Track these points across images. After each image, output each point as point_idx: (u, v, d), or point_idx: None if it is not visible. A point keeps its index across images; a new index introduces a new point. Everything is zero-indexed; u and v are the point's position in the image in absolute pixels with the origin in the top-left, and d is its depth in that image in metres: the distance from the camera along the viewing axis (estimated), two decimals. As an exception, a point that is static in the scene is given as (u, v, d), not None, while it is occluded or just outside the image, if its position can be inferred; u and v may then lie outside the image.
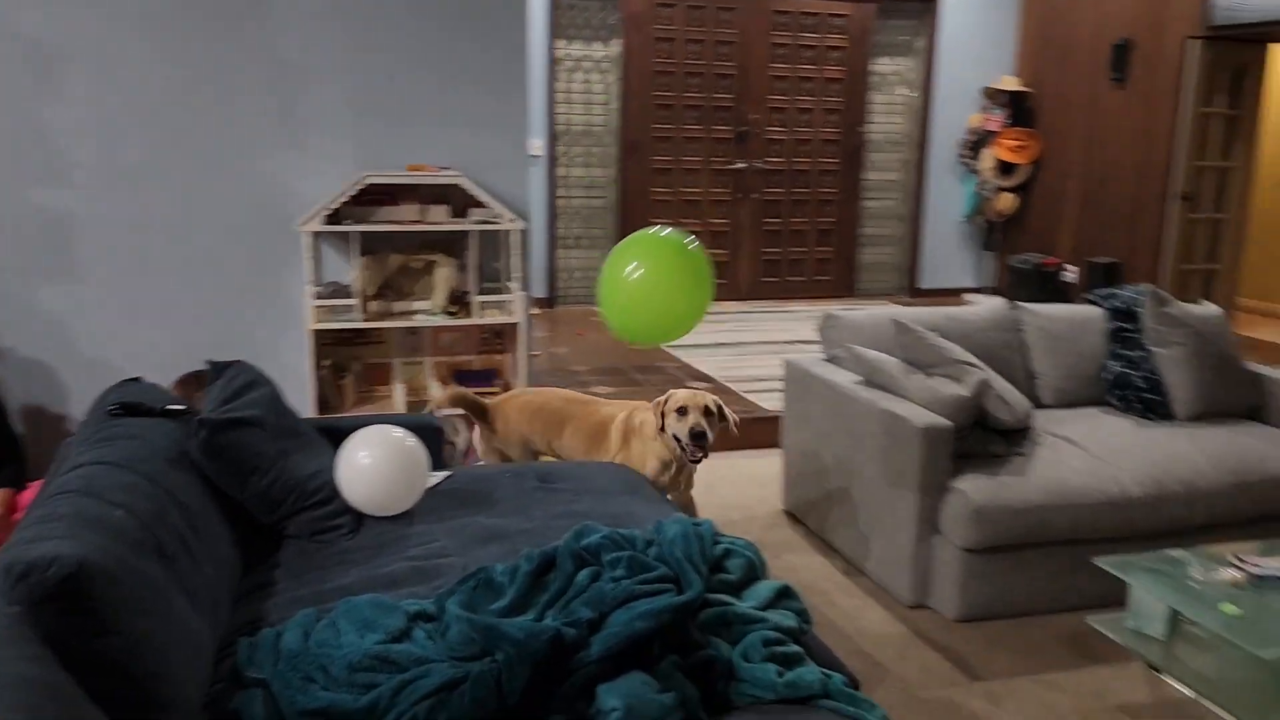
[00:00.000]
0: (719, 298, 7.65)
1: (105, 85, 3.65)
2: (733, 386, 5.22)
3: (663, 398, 3.18)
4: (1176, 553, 2.79)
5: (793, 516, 3.84)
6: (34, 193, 3.65)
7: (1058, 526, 3.05)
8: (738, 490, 4.15)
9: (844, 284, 8.19)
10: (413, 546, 2.40)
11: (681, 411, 3.11)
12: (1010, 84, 7.98)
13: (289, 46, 3.77)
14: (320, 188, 3.87)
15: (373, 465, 2.50)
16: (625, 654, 1.79)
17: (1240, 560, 2.66)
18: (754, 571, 2.14)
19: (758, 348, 6.23)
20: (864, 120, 7.96)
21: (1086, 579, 3.11)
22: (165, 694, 1.63)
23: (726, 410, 3.16)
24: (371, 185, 3.69)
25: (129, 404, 2.43)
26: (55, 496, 1.92)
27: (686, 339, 5.99)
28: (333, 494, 2.51)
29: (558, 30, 7.07)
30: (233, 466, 2.36)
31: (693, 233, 7.51)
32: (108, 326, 3.81)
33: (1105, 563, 2.73)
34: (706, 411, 3.11)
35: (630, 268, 2.51)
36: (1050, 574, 3.12)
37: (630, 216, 7.44)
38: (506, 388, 4.12)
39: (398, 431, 2.59)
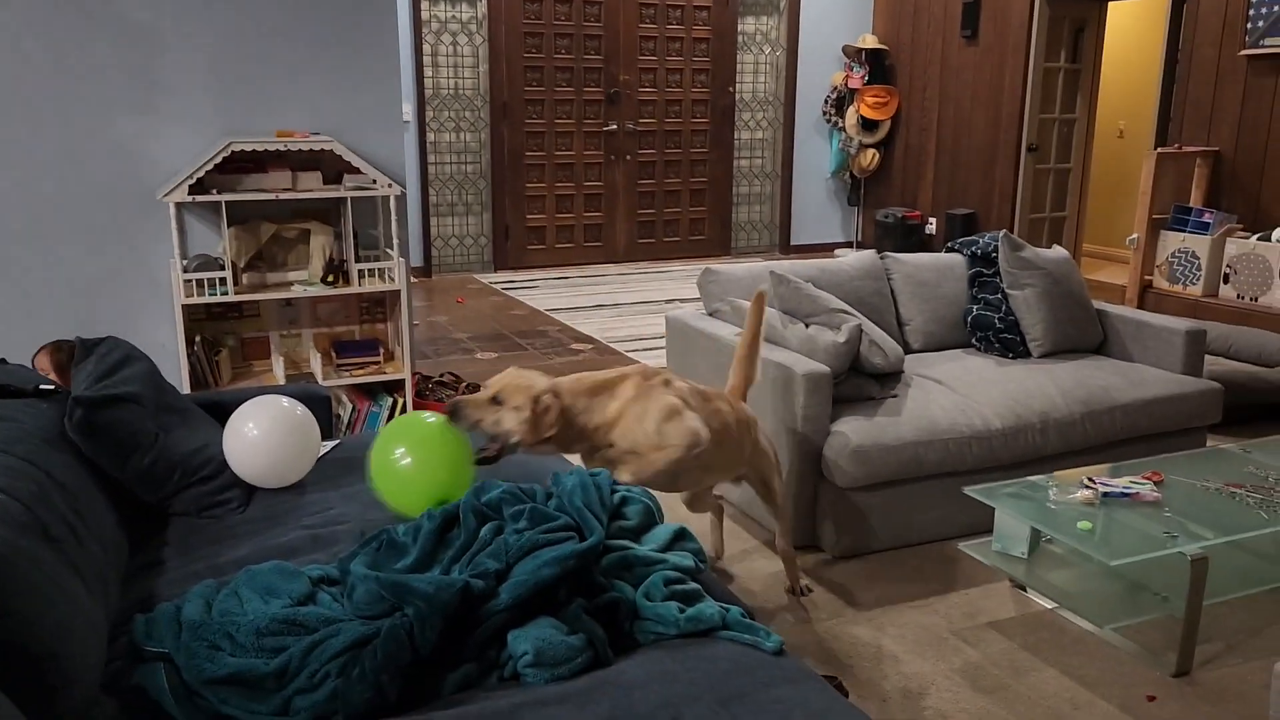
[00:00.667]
0: (598, 259, 7.74)
1: (-62, 51, 3.42)
2: (615, 346, 5.29)
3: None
4: (1036, 478, 3.00)
5: (681, 468, 3.94)
6: None
7: (929, 461, 3.24)
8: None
9: (719, 243, 8.34)
10: (308, 515, 2.39)
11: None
12: (869, 42, 8.23)
13: (139, 5, 3.60)
14: (181, 156, 3.72)
15: (262, 436, 2.46)
16: (533, 601, 1.84)
17: (1092, 481, 2.89)
18: (651, 517, 2.21)
19: (637, 308, 6.31)
20: (733, 80, 8.08)
21: (957, 509, 3.32)
22: (64, 674, 1.60)
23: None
24: (238, 152, 3.57)
25: (-6, 385, 2.32)
26: (-74, 483, 1.84)
27: (567, 301, 6.04)
28: (220, 468, 2.47)
29: (421, -8, 6.93)
30: (112, 445, 2.29)
31: (567, 196, 7.53)
32: (-44, 309, 3.60)
33: (973, 491, 2.92)
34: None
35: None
36: (924, 507, 3.31)
37: (503, 181, 7.39)
38: (389, 357, 4.09)
39: (286, 401, 2.55)
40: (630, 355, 5.10)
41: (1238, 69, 5.77)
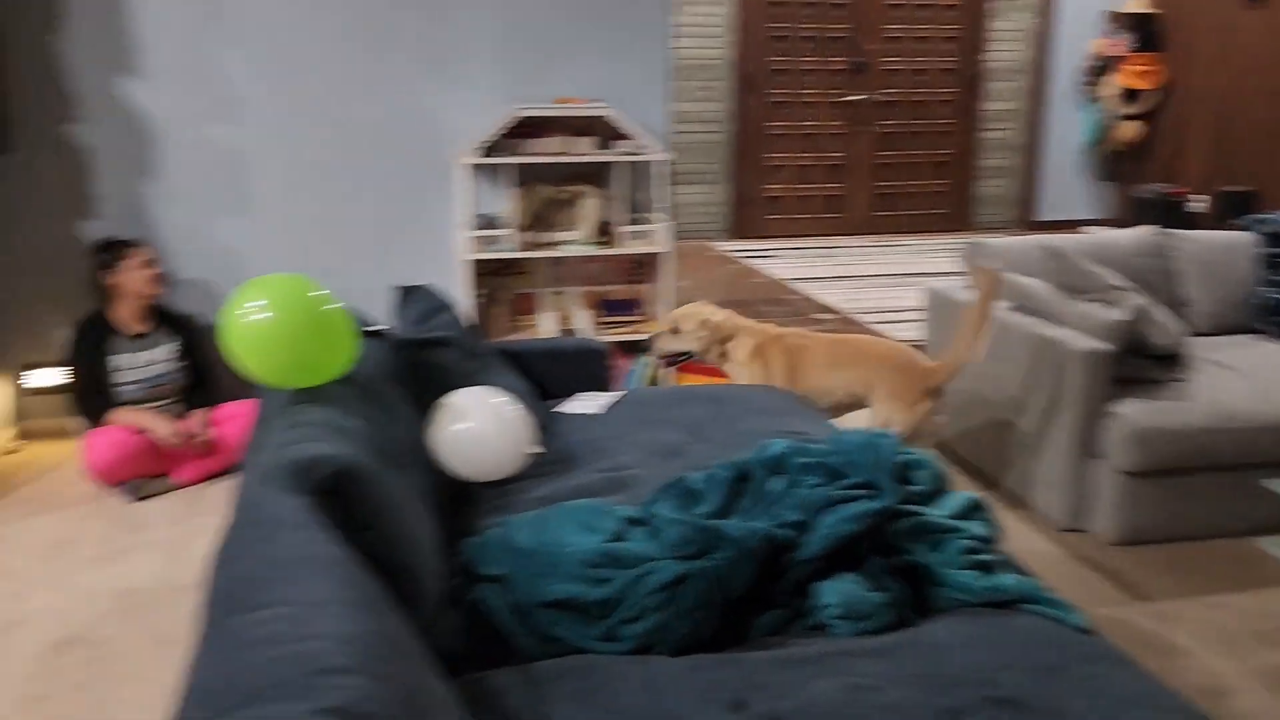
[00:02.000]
0: (835, 231, 7.65)
1: (270, 25, 3.79)
2: (859, 318, 5.24)
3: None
4: (1351, 476, 2.76)
5: (937, 442, 3.88)
6: (209, 129, 3.84)
7: (1221, 450, 3.04)
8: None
9: (959, 217, 8.06)
10: (601, 460, 2.53)
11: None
12: (1137, 6, 7.67)
13: (439, -17, 3.86)
14: (470, 121, 3.98)
15: (475, 435, 2.38)
16: (834, 555, 1.89)
17: None
18: (940, 483, 2.20)
19: (878, 280, 6.22)
20: (983, 48, 7.76)
21: (1250, 504, 3.10)
22: (419, 586, 1.78)
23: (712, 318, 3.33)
24: (522, 118, 3.78)
25: (333, 326, 2.58)
26: (294, 406, 2.08)
27: (805, 271, 6.00)
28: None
29: (672, -38, 7.03)
30: (434, 382, 2.51)
31: (807, 167, 7.47)
32: (274, 256, 4.00)
33: (1273, 484, 2.72)
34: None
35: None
36: (1212, 498, 3.12)
37: (744, 150, 7.43)
38: (648, 318, 4.23)
39: (495, 398, 2.47)
40: (874, 328, 5.05)
41: None
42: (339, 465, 1.69)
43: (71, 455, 3.75)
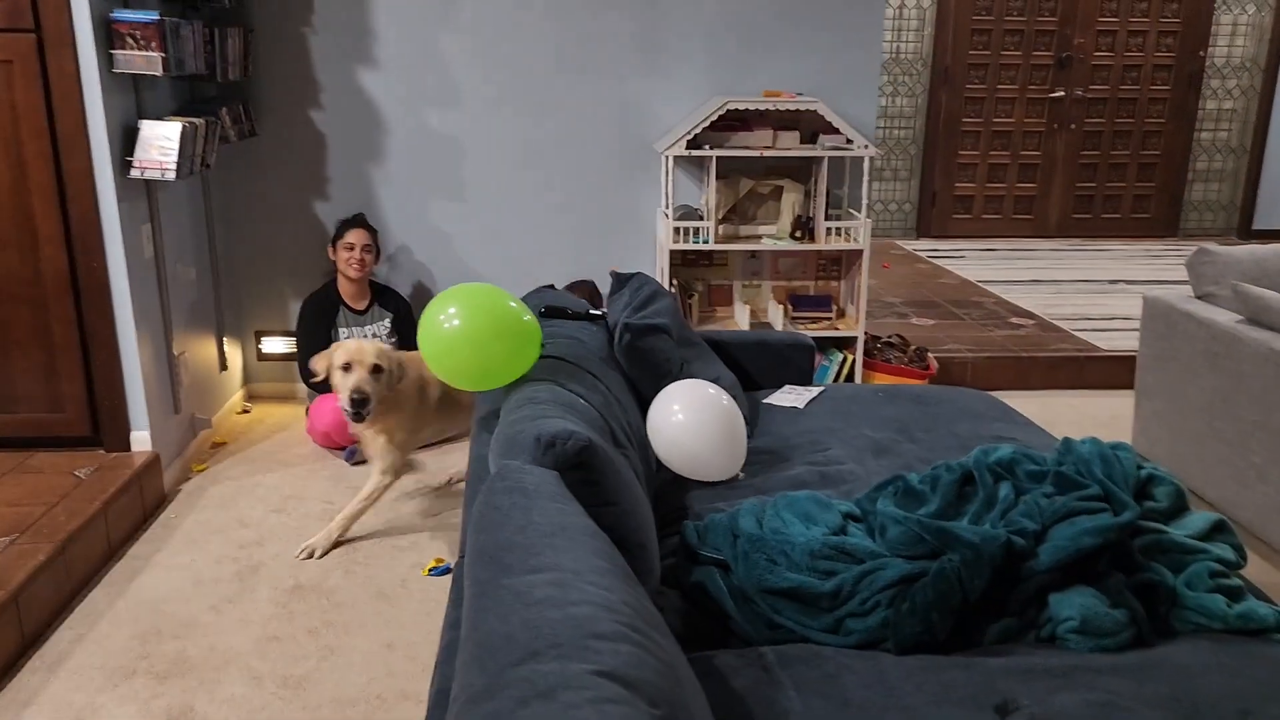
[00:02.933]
0: (1026, 233, 7.35)
1: (488, 15, 3.95)
2: (1060, 324, 5.03)
3: (331, 349, 2.94)
4: None
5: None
6: (428, 114, 4.03)
7: None
8: (1079, 431, 3.98)
9: (1165, 222, 7.60)
10: (810, 453, 2.53)
11: (346, 368, 2.85)
12: (1388, -2, 7.01)
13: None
14: (678, 112, 4.03)
15: (700, 431, 2.34)
16: (1071, 568, 1.83)
17: None
18: (1182, 501, 2.09)
19: (1077, 285, 5.94)
20: (1205, 43, 7.28)
21: None
22: (649, 563, 1.83)
23: (392, 362, 2.88)
24: (729, 111, 3.79)
25: (553, 307, 2.68)
26: (527, 384, 2.17)
27: (997, 274, 5.81)
28: (733, 398, 2.67)
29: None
30: (650, 368, 2.56)
31: (1001, 165, 7.21)
32: (482, 240, 4.17)
33: None
34: (374, 369, 2.84)
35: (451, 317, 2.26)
36: None
37: (936, 147, 7.23)
38: (840, 314, 4.18)
39: (716, 395, 2.44)
40: (1077, 334, 4.83)
41: None
42: (584, 440, 1.75)
43: (296, 418, 4.03)
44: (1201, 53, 7.30)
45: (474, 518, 1.58)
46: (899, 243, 7.22)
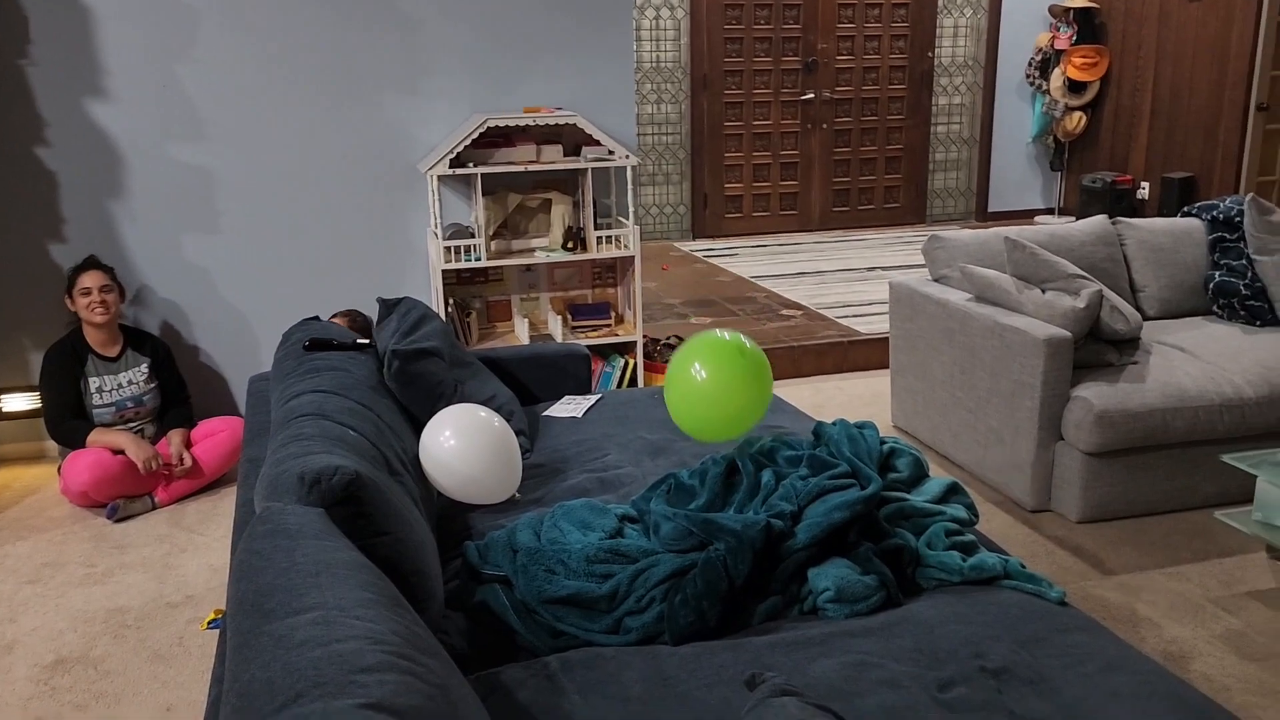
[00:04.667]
0: (793, 228, 7.78)
1: (233, 41, 3.80)
2: (825, 313, 5.35)
3: None
4: (1300, 448, 2.91)
5: (904, 432, 4.00)
6: (173, 147, 3.84)
7: (1176, 429, 3.18)
8: (847, 411, 4.30)
9: (914, 210, 8.22)
10: (590, 460, 2.60)
11: None
12: (1078, 1, 7.88)
13: (401, -4, 3.90)
14: (438, 131, 4.02)
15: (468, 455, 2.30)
16: (826, 542, 1.97)
17: (1366, 452, 2.78)
18: (921, 469, 2.30)
19: (839, 275, 6.33)
20: (932, 44, 7.93)
21: (1203, 478, 3.25)
22: (427, 589, 1.83)
23: None
24: (490, 128, 3.82)
25: (319, 340, 2.62)
26: (293, 421, 2.12)
27: (768, 269, 6.12)
28: (508, 416, 2.70)
29: (625, -33, 7.11)
30: (423, 393, 2.56)
31: (764, 165, 7.59)
32: (243, 273, 4.01)
33: (1233, 459, 2.86)
34: None
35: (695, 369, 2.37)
36: (1168, 475, 3.25)
37: (702, 151, 7.52)
38: (619, 320, 4.29)
39: (493, 429, 2.38)
40: (840, 321, 5.16)
41: None
42: (350, 474, 1.73)
43: (48, 479, 3.74)
44: (930, 53, 7.95)
45: (235, 565, 1.54)
46: (677, 244, 7.46)
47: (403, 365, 2.52)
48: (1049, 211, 8.53)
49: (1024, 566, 2.05)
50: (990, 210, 8.45)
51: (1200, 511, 3.22)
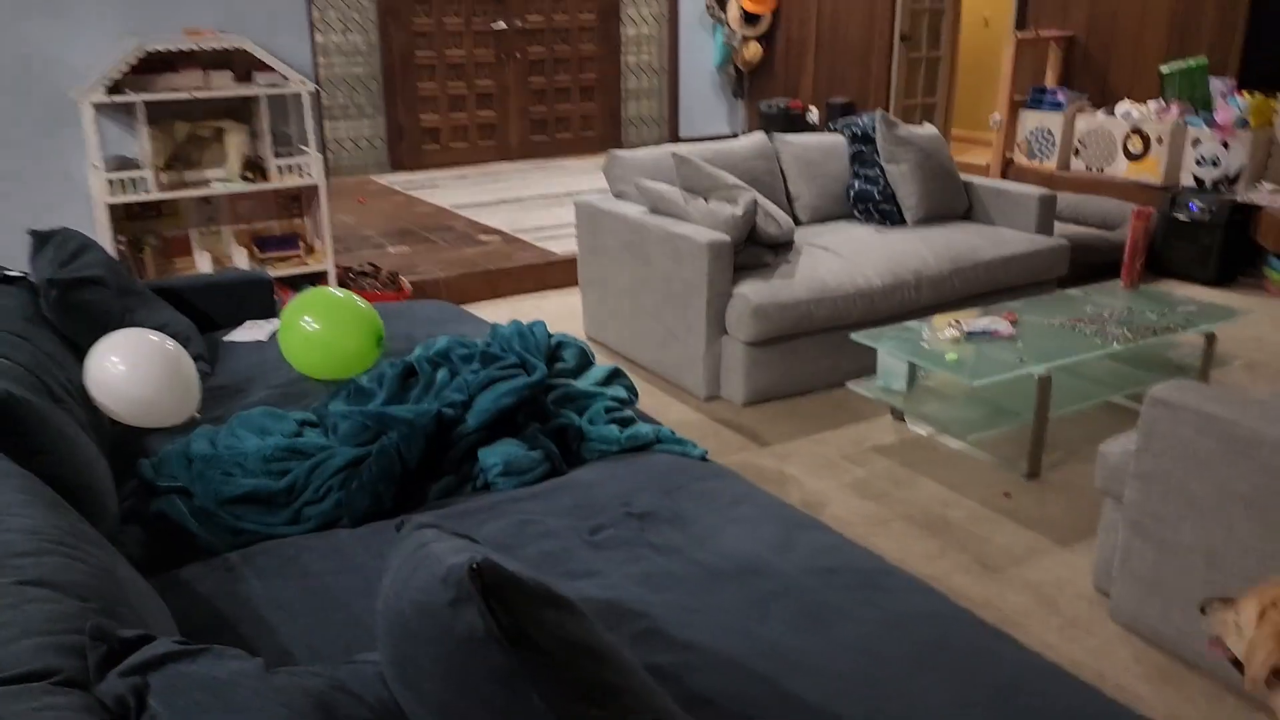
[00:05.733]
0: (493, 158, 7.87)
1: None
2: (522, 236, 5.53)
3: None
4: (912, 324, 3.43)
5: (596, 341, 4.27)
6: None
7: (820, 317, 3.64)
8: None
9: (610, 138, 8.55)
10: (275, 378, 2.63)
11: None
12: (748, -65, 8.40)
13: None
14: (91, 57, 3.77)
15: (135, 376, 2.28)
16: (496, 425, 2.16)
17: (958, 323, 3.33)
18: (586, 359, 2.53)
19: (538, 200, 6.53)
20: (616, -25, 8.20)
21: (845, 359, 3.74)
22: (97, 504, 1.84)
23: None
24: (149, 52, 3.64)
25: (-40, 275, 2.47)
26: (-67, 353, 2.02)
27: (469, 198, 6.24)
28: (185, 340, 2.67)
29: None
30: (86, 322, 2.48)
31: (459, 96, 7.59)
32: None
33: (859, 337, 3.33)
34: None
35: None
36: (815, 357, 3.72)
37: (394, 82, 7.42)
38: (309, 250, 4.25)
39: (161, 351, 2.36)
40: (537, 244, 5.36)
41: (1086, -44, 6.23)
42: (2, 394, 1.71)
43: None
44: (615, -16, 8.22)
45: None
46: (374, 178, 7.36)
47: (61, 294, 2.43)
48: (733, 136, 9.15)
49: (674, 433, 2.33)
50: (681, 136, 8.94)
51: (842, 389, 3.71)
